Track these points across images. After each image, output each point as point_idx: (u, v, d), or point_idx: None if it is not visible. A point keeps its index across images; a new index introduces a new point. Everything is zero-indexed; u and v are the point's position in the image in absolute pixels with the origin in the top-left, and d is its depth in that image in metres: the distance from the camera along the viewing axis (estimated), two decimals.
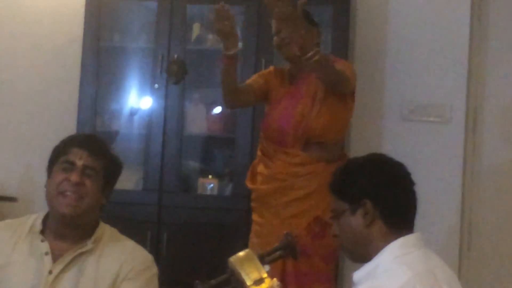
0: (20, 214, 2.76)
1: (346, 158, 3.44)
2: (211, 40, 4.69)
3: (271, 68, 3.80)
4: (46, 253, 2.48)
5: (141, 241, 2.66)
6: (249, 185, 3.70)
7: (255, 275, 1.97)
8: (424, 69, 4.55)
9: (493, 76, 4.59)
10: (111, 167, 2.58)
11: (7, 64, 4.92)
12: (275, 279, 1.98)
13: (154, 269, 2.58)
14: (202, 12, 4.77)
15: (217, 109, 4.73)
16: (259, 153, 3.72)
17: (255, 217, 3.65)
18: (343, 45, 4.40)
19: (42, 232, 2.53)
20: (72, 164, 2.51)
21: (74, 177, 2.49)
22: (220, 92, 4.75)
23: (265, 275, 1.98)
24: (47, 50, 4.90)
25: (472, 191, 4.54)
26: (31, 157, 4.72)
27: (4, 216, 4.18)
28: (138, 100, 4.78)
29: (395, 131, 4.55)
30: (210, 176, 4.62)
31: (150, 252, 2.64)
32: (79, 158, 2.51)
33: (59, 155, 2.54)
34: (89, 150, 2.53)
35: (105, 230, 2.59)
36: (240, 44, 4.54)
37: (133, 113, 4.75)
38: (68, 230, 2.52)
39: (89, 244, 2.51)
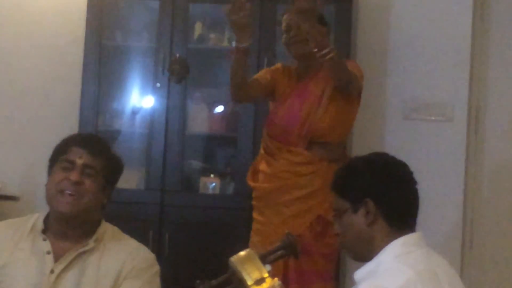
0: (22, 213, 2.77)
1: (347, 158, 3.43)
2: (213, 39, 4.69)
3: (279, 65, 3.78)
4: (48, 252, 2.48)
5: (143, 240, 2.66)
6: (250, 183, 3.69)
7: (256, 275, 1.97)
8: (426, 68, 4.54)
9: (495, 75, 4.59)
10: (111, 167, 2.58)
11: (9, 63, 4.92)
12: (276, 278, 1.97)
13: (156, 268, 2.58)
14: (204, 11, 4.77)
15: (219, 108, 4.73)
16: (261, 151, 3.72)
17: (255, 215, 3.65)
18: (345, 43, 4.39)
19: (44, 231, 2.53)
20: (72, 163, 2.51)
21: (73, 176, 2.48)
22: (222, 91, 4.81)
23: (266, 274, 1.98)
24: (49, 49, 4.89)
25: (474, 190, 4.54)
26: (33, 156, 4.72)
27: (6, 215, 4.18)
28: (140, 99, 4.77)
29: (397, 130, 4.54)
30: (212, 175, 4.61)
31: (152, 251, 2.64)
32: (79, 157, 2.51)
33: (59, 154, 2.55)
34: (89, 150, 2.53)
35: (107, 229, 2.59)
36: None
37: (135, 112, 4.75)
38: (69, 229, 2.52)
39: (90, 243, 2.51)
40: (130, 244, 2.58)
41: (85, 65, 4.60)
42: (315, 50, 3.32)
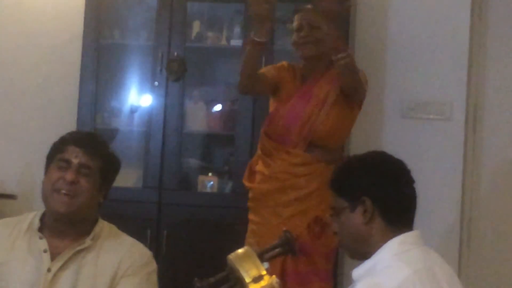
0: (19, 211, 2.76)
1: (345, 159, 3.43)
2: (211, 38, 4.68)
3: (284, 63, 3.75)
4: (45, 251, 2.48)
5: (141, 239, 2.66)
6: (246, 183, 3.68)
7: (254, 273, 1.97)
8: (424, 66, 4.54)
9: (493, 74, 4.59)
10: (108, 166, 2.57)
11: (7, 61, 4.92)
12: (274, 276, 1.98)
13: (153, 265, 2.58)
14: (202, 9, 4.77)
15: (217, 107, 4.73)
16: (258, 151, 3.70)
17: (251, 216, 3.64)
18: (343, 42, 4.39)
19: (41, 229, 2.53)
20: (68, 162, 2.50)
21: (69, 175, 2.48)
22: (220, 90, 4.82)
23: (264, 272, 1.98)
24: (47, 47, 4.89)
25: (472, 189, 4.54)
26: (31, 154, 4.72)
27: (3, 213, 4.19)
28: (138, 97, 4.77)
29: (395, 129, 4.54)
30: (210, 174, 4.61)
31: (150, 249, 2.64)
32: (75, 156, 2.51)
33: (56, 153, 2.54)
34: (86, 149, 2.52)
35: (104, 227, 2.59)
36: (240, 42, 4.57)
37: (133, 110, 4.75)
38: (65, 228, 2.52)
39: (87, 241, 2.51)
40: (127, 242, 2.58)
41: (83, 63, 4.60)
42: (332, 53, 3.33)
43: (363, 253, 2.13)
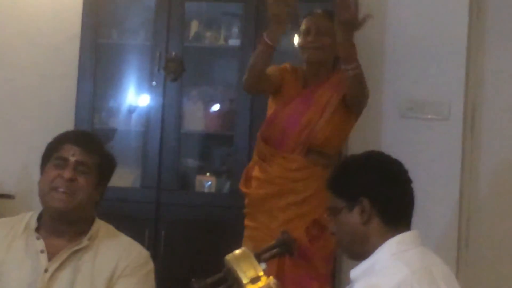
0: (17, 211, 2.76)
1: None
2: (209, 37, 4.68)
3: (287, 64, 3.72)
4: (42, 251, 2.48)
5: (138, 238, 2.65)
6: (243, 189, 3.66)
7: (251, 273, 1.97)
8: (422, 66, 4.54)
9: (491, 73, 4.58)
10: (104, 164, 2.58)
11: (5, 61, 4.91)
12: (271, 277, 1.98)
13: (150, 265, 2.58)
14: (200, 9, 4.76)
15: (215, 107, 4.72)
16: (255, 156, 3.68)
17: (247, 222, 3.61)
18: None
19: (38, 230, 2.53)
20: (65, 160, 2.51)
21: (66, 173, 2.49)
22: (218, 89, 4.81)
23: (261, 273, 1.98)
24: (44, 47, 4.88)
25: (470, 189, 4.54)
26: (29, 154, 4.71)
27: (1, 213, 4.18)
28: (136, 97, 4.77)
29: (393, 128, 4.54)
30: (208, 174, 4.61)
31: (148, 249, 2.65)
32: (72, 154, 2.51)
33: (52, 152, 2.55)
34: (82, 147, 2.53)
35: (101, 226, 2.59)
36: (238, 41, 4.57)
37: (131, 110, 4.74)
38: (63, 227, 2.52)
39: (84, 241, 2.51)
40: (124, 242, 2.58)
41: (81, 63, 4.60)
42: (343, 62, 3.34)
43: (361, 253, 2.13)
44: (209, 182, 4.55)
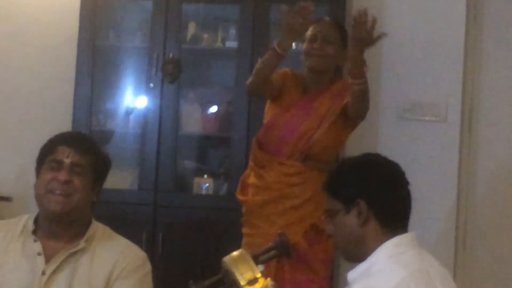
0: (15, 214, 2.76)
1: None
2: (207, 39, 4.68)
3: (288, 70, 3.71)
4: (39, 254, 2.48)
5: (136, 240, 2.65)
6: (240, 197, 3.66)
7: (249, 275, 1.97)
8: (420, 68, 4.54)
9: (488, 75, 4.59)
10: (99, 164, 2.58)
11: (2, 63, 4.91)
12: (269, 279, 1.98)
13: (148, 267, 2.58)
14: (198, 11, 4.75)
15: (213, 109, 4.72)
16: (250, 163, 3.67)
17: (245, 230, 3.60)
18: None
19: (35, 232, 2.52)
20: (60, 162, 2.50)
21: (62, 175, 2.48)
22: (215, 91, 4.81)
23: (259, 275, 1.98)
24: (42, 49, 4.88)
25: (467, 190, 4.54)
26: (26, 157, 4.65)
27: None
28: (133, 99, 4.77)
29: (391, 130, 4.54)
30: (205, 176, 4.61)
31: (146, 251, 2.64)
32: (66, 156, 2.51)
33: (46, 155, 2.54)
34: (76, 148, 2.52)
35: (98, 228, 2.58)
36: (236, 43, 4.57)
37: (128, 112, 4.74)
38: (60, 229, 2.51)
39: (81, 243, 2.50)
40: (121, 243, 2.58)
41: (78, 65, 4.60)
42: (350, 76, 3.34)
43: (358, 255, 2.13)
44: (207, 184, 4.55)
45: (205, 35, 4.68)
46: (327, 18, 3.70)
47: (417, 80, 4.54)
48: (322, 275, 3.52)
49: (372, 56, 4.56)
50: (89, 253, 2.51)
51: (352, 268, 2.14)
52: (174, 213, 4.44)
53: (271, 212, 3.52)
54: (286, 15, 3.37)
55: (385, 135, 4.54)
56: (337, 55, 3.60)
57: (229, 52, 4.69)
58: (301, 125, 3.55)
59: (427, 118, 4.53)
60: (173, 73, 4.48)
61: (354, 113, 3.52)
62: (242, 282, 1.97)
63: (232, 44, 4.62)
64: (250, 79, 3.57)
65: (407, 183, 2.18)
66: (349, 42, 3.37)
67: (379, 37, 3.27)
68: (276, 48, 3.43)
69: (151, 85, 4.54)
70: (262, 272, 2.00)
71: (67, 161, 2.50)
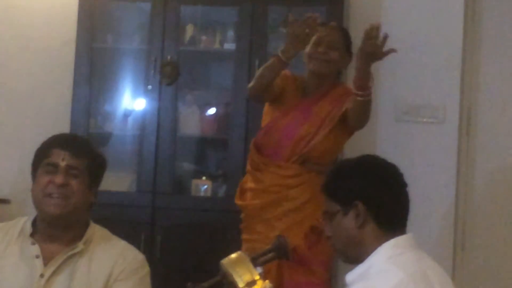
0: (13, 216, 2.76)
1: None
2: (205, 41, 4.68)
3: (287, 72, 3.68)
4: (37, 256, 2.47)
5: (134, 243, 2.65)
6: (238, 202, 3.65)
7: (247, 277, 1.97)
8: (417, 70, 4.54)
9: (486, 76, 4.59)
10: (95, 165, 2.57)
11: (1, 66, 4.91)
12: (267, 281, 1.98)
13: (146, 269, 2.58)
14: (196, 13, 4.76)
15: (211, 110, 4.72)
16: (248, 167, 3.67)
17: (245, 236, 3.60)
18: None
19: (33, 235, 2.52)
20: (55, 165, 2.50)
21: (58, 179, 2.48)
22: (213, 93, 4.82)
23: (257, 277, 1.98)
24: (40, 51, 4.88)
25: (466, 192, 4.54)
26: (25, 159, 4.61)
27: None
28: (132, 101, 4.77)
29: (389, 132, 4.54)
30: (203, 178, 4.61)
31: (144, 253, 2.64)
32: (62, 159, 2.51)
33: (41, 158, 2.54)
34: (71, 150, 2.52)
35: (96, 230, 2.58)
36: (234, 45, 4.57)
37: (126, 114, 4.74)
38: (58, 232, 2.51)
39: (80, 246, 2.50)
40: (119, 245, 2.57)
41: (77, 67, 4.60)
42: (354, 86, 3.35)
43: (357, 257, 2.13)
44: (205, 186, 4.55)
45: (203, 37, 4.68)
46: (333, 23, 3.70)
47: (415, 81, 4.54)
48: (322, 277, 3.52)
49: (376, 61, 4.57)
50: (87, 255, 2.50)
51: (350, 269, 2.14)
52: (172, 215, 4.44)
53: (270, 216, 3.52)
54: (292, 26, 3.38)
55: (383, 136, 4.54)
56: (341, 60, 3.60)
57: (227, 54, 4.70)
58: (300, 128, 3.55)
59: (425, 120, 4.53)
60: (171, 75, 4.48)
61: (354, 122, 3.52)
62: (241, 284, 1.97)
63: (230, 46, 4.62)
64: (251, 84, 3.58)
65: (405, 184, 2.18)
66: (357, 54, 3.36)
67: (388, 52, 3.27)
68: (280, 55, 3.43)
69: (149, 87, 4.55)
70: (260, 274, 2.00)
71: (62, 164, 2.50)
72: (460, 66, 4.51)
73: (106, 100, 4.79)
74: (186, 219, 4.43)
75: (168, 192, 4.49)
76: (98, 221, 2.64)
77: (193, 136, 4.75)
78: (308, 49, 3.58)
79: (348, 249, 2.16)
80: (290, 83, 3.66)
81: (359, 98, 3.36)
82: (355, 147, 4.21)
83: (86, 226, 2.57)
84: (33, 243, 2.50)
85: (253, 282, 1.97)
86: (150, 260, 2.68)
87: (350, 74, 3.96)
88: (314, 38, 3.55)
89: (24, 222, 2.57)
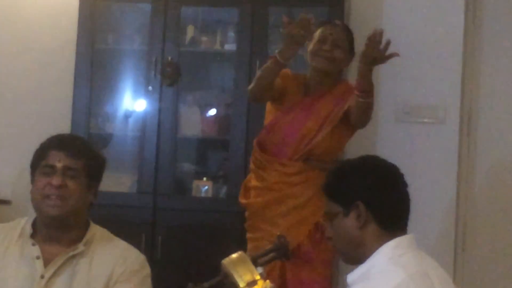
0: (14, 217, 2.76)
1: None
2: (205, 42, 4.69)
3: (288, 71, 3.70)
4: (38, 257, 2.47)
5: (135, 244, 2.65)
6: (243, 201, 3.66)
7: (248, 277, 1.97)
8: (418, 70, 4.54)
9: (487, 77, 4.59)
10: (92, 164, 2.56)
11: (1, 67, 4.91)
12: (268, 281, 1.98)
13: (147, 270, 2.57)
14: (196, 14, 4.77)
15: (212, 111, 4.73)
16: (251, 166, 3.68)
17: (250, 235, 3.62)
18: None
19: (33, 235, 2.52)
20: (52, 167, 2.50)
21: (55, 180, 2.48)
22: (214, 94, 4.82)
23: (258, 277, 1.98)
24: (41, 53, 4.88)
25: (466, 192, 4.54)
26: (25, 160, 4.63)
27: None
28: (132, 102, 4.77)
29: (389, 133, 4.54)
30: (204, 178, 4.61)
31: (145, 254, 2.63)
32: (58, 160, 2.50)
33: (39, 160, 2.54)
34: (68, 151, 2.51)
35: (96, 231, 2.58)
36: (234, 46, 4.57)
37: (127, 115, 4.74)
38: (58, 233, 2.51)
39: (80, 247, 2.50)
40: (120, 246, 2.57)
41: (77, 68, 4.60)
42: (356, 88, 3.37)
43: (358, 258, 2.13)
44: (206, 187, 4.55)
45: (204, 38, 4.69)
46: (337, 21, 3.72)
47: (416, 82, 4.54)
48: (325, 275, 3.53)
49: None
50: (88, 256, 2.50)
51: (351, 270, 2.14)
52: (173, 216, 4.44)
53: (274, 214, 3.54)
54: (288, 27, 3.38)
55: (383, 137, 4.54)
56: (344, 59, 3.61)
57: (227, 55, 4.70)
58: (303, 126, 3.56)
59: (425, 120, 4.53)
60: (172, 76, 4.49)
61: (356, 121, 3.55)
62: (241, 284, 1.97)
63: (230, 47, 4.62)
64: (251, 86, 3.58)
65: (406, 185, 2.17)
66: (359, 58, 3.37)
67: (391, 56, 3.29)
68: (278, 57, 3.44)
69: (150, 88, 4.55)
70: (261, 274, 2.00)
71: (59, 165, 2.49)
72: (461, 66, 4.51)
73: (107, 101, 4.79)
74: (187, 219, 4.44)
75: (169, 193, 4.49)
76: (99, 222, 2.63)
77: (194, 137, 4.75)
78: (311, 46, 3.59)
79: (349, 249, 2.16)
80: (291, 82, 3.66)
81: (360, 100, 3.38)
82: (355, 147, 4.21)
83: (86, 226, 2.57)
84: (33, 244, 2.50)
85: (254, 282, 1.97)
86: (151, 260, 2.67)
87: (351, 73, 3.97)
88: (318, 35, 3.57)
89: (24, 223, 2.57)
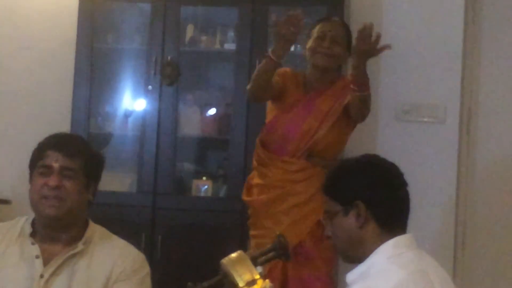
0: (14, 216, 2.75)
1: None
2: (205, 42, 4.69)
3: (287, 69, 3.73)
4: (37, 257, 2.47)
5: (135, 243, 2.65)
6: (246, 199, 3.68)
7: (247, 277, 1.97)
8: (418, 69, 4.54)
9: (487, 76, 4.59)
10: (90, 164, 2.55)
11: (1, 66, 4.91)
12: (267, 280, 1.97)
13: (146, 269, 2.57)
14: (196, 13, 4.77)
15: (211, 111, 4.73)
16: (254, 163, 3.70)
17: (253, 232, 3.63)
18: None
19: (32, 235, 2.52)
20: (49, 167, 2.49)
21: (52, 181, 2.47)
22: (214, 93, 4.82)
23: (257, 276, 1.98)
24: (40, 52, 4.88)
25: (466, 191, 4.54)
26: (25, 159, 4.66)
27: None
28: (132, 102, 4.77)
29: (389, 132, 4.55)
30: (204, 178, 4.61)
31: (144, 254, 2.63)
32: (55, 160, 2.49)
33: (36, 160, 2.54)
34: (64, 151, 2.51)
35: (95, 230, 2.58)
36: (234, 45, 4.57)
37: (127, 115, 4.74)
38: (57, 233, 2.51)
39: (79, 246, 2.50)
40: (119, 245, 2.57)
41: (77, 68, 4.60)
42: (352, 83, 3.41)
43: (357, 257, 2.13)
44: (206, 186, 4.55)
45: (204, 38, 4.69)
46: (336, 18, 3.74)
47: (416, 81, 4.54)
48: (327, 272, 3.54)
49: (371, 58, 4.57)
50: (87, 255, 2.50)
51: (351, 269, 2.14)
52: (173, 216, 4.44)
53: (277, 211, 3.55)
54: (280, 26, 3.40)
55: (383, 136, 4.55)
56: (343, 55, 3.62)
57: (227, 54, 4.70)
58: (304, 123, 3.57)
59: (425, 120, 4.53)
60: (171, 75, 4.49)
61: (356, 115, 3.58)
62: (241, 284, 1.97)
63: (230, 46, 4.63)
64: (249, 86, 3.60)
65: (405, 184, 2.18)
66: (352, 52, 3.41)
67: (383, 49, 3.31)
68: (272, 56, 3.45)
69: (150, 87, 4.55)
70: (260, 274, 2.00)
71: (56, 165, 2.49)
72: (461, 65, 4.52)
73: (107, 101, 4.79)
74: (187, 219, 4.44)
75: (169, 193, 4.49)
76: (99, 222, 2.63)
77: (193, 137, 4.75)
78: (310, 43, 3.60)
79: (348, 248, 2.16)
80: (290, 80, 3.67)
81: (357, 93, 3.41)
82: (355, 146, 4.21)
83: (85, 226, 2.56)
84: (33, 243, 2.49)
85: (253, 281, 1.96)
86: (151, 260, 2.68)
87: (349, 69, 3.97)
88: (317, 32, 3.58)
89: (23, 222, 2.56)
